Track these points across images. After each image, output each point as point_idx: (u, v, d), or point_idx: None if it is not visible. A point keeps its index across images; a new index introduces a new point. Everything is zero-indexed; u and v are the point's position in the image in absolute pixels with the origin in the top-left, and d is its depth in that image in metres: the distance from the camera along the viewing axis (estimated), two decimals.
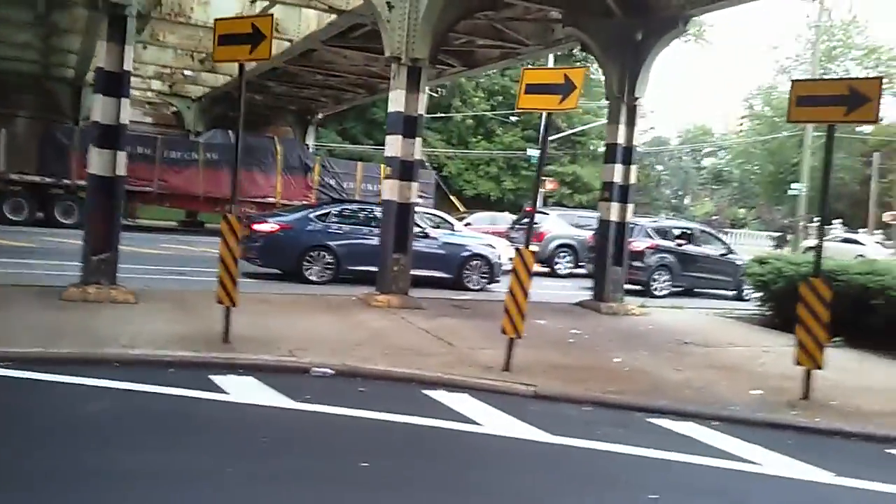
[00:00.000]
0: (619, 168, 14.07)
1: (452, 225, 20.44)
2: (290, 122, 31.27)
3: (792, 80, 8.93)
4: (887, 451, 7.49)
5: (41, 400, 6.67)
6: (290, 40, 18.32)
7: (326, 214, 16.08)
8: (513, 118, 42.76)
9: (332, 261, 15.54)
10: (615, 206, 14.16)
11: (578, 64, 41.30)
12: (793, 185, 42.54)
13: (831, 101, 8.43)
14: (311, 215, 16.08)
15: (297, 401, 7.08)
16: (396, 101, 12.26)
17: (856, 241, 39.39)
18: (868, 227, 47.02)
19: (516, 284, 9.01)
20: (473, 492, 5.43)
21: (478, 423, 6.97)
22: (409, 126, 12.28)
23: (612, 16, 13.36)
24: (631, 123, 14.03)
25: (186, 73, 25.42)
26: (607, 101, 14.87)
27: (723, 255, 19.50)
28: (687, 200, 57.00)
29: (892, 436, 7.77)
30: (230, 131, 27.20)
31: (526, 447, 6.49)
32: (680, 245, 18.76)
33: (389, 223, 12.47)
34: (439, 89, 37.92)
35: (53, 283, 11.19)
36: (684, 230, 19.68)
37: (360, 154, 35.37)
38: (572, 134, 38.40)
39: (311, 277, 15.33)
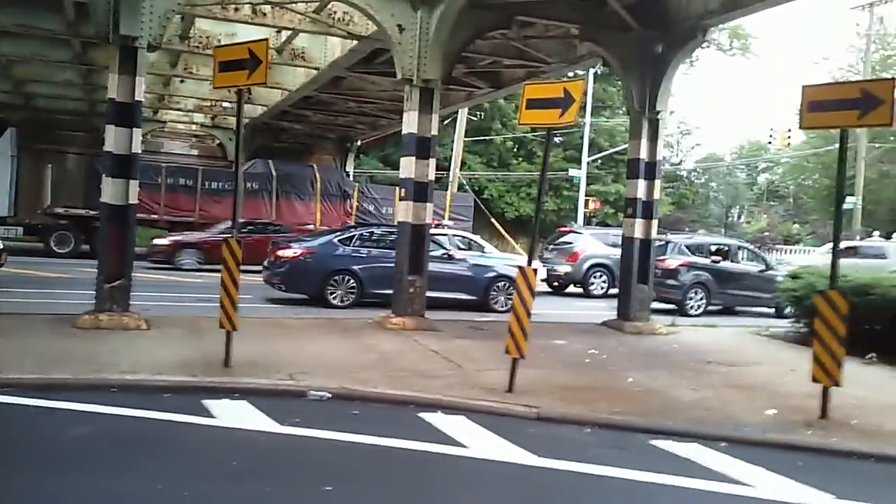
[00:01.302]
0: (642, 183, 13.81)
1: (483, 247, 20.29)
2: (330, 149, 31.60)
3: (802, 86, 8.57)
4: None
5: (27, 425, 6.71)
6: (316, 68, 18.50)
7: (350, 238, 16.10)
8: (556, 139, 42.49)
9: (355, 285, 15.53)
10: (639, 223, 13.87)
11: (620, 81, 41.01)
12: (847, 199, 41.42)
13: (844, 105, 8.11)
14: (335, 240, 16.12)
15: (284, 425, 7.00)
16: (409, 122, 12.24)
17: None
18: None
19: (518, 303, 8.82)
20: None
21: (464, 446, 6.78)
22: (422, 147, 12.24)
23: (630, 29, 13.15)
24: (653, 138, 13.77)
25: (224, 104, 25.89)
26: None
27: (762, 271, 18.91)
28: (739, 217, 55.77)
29: None
30: (270, 161, 27.77)
31: (504, 470, 6.28)
32: (715, 262, 18.27)
33: (404, 245, 12.40)
34: (479, 113, 37.97)
35: (73, 311, 11.35)
36: (720, 246, 19.17)
37: None
38: (615, 152, 37.94)
39: (334, 302, 15.34)
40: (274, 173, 26.87)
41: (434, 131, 12.29)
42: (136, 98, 10.80)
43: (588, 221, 36.78)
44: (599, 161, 39.21)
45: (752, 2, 11.52)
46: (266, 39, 9.09)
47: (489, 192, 38.56)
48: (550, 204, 38.76)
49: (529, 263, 9.05)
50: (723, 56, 46.56)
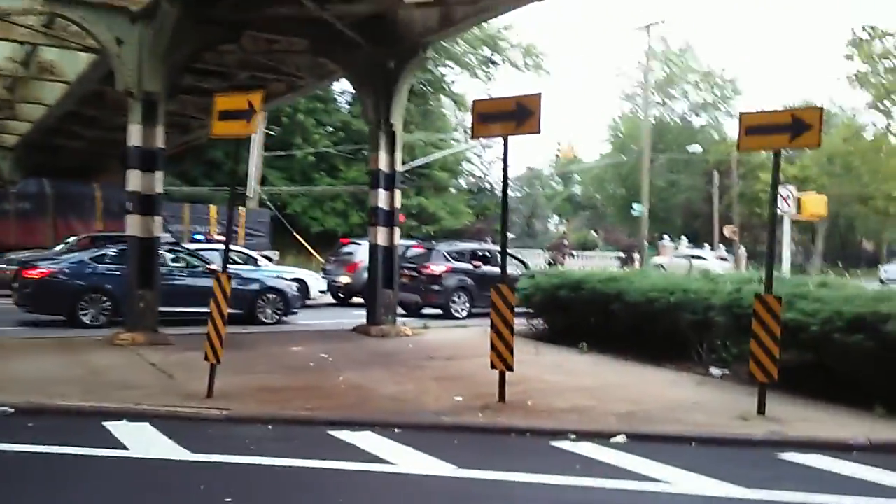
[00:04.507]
0: (382, 193, 14.41)
1: (256, 260, 20.38)
2: (118, 167, 30.47)
3: (740, 113, 9.21)
4: (552, 443, 7.74)
5: None
6: (69, 83, 18.00)
7: (102, 256, 15.75)
8: (363, 153, 42.99)
9: (109, 304, 15.19)
10: (382, 231, 14.46)
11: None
12: (634, 206, 44.45)
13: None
14: (87, 258, 15.76)
15: None
16: (133, 135, 12.20)
17: (699, 257, 41.54)
18: (713, 243, 49.47)
19: (215, 310, 9.07)
20: None
21: (125, 448, 6.95)
22: (147, 160, 12.23)
23: (359, 46, 13.73)
24: (391, 150, 14.42)
25: None
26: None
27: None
28: (539, 226, 58.80)
29: (559, 429, 8.08)
30: (45, 180, 26.57)
31: (148, 466, 6.53)
32: (476, 267, 19.20)
33: (134, 259, 12.33)
34: (277, 128, 37.94)
35: None
36: (483, 253, 20.18)
37: (201, 195, 34.86)
38: (417, 167, 38.95)
39: (86, 321, 14.94)
40: (49, 193, 25.72)
41: (160, 143, 12.31)
42: None
43: None
44: (402, 176, 40.01)
45: (461, 20, 12.41)
46: None
47: (293, 207, 38.53)
48: (355, 217, 39.19)
49: (224, 270, 9.31)
50: (520, 74, 48.81)
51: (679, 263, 36.40)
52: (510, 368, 9.06)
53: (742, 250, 45.42)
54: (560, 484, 6.35)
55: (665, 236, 50.92)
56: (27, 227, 25.09)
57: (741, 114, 9.32)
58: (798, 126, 8.48)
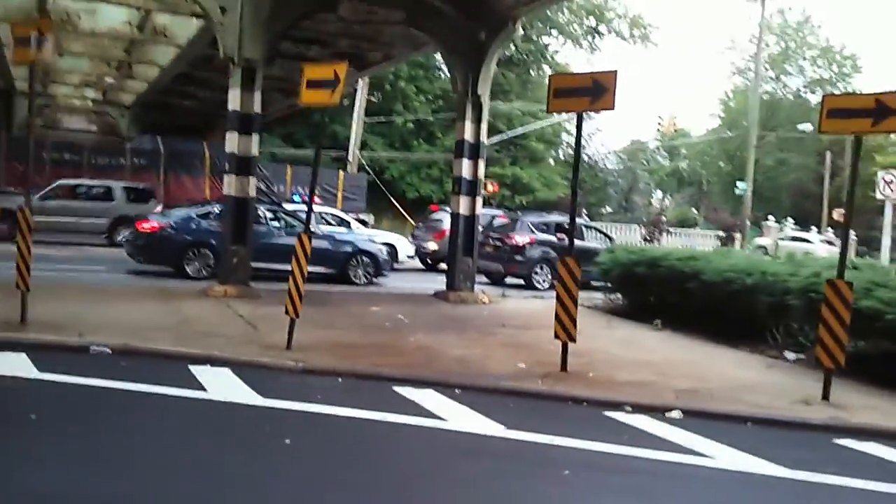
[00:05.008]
0: (466, 163, 14.74)
1: (349, 223, 21.10)
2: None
3: (823, 95, 9.29)
4: (605, 413, 7.99)
5: None
6: (180, 47, 18.99)
7: (208, 213, 16.69)
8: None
9: (212, 258, 16.11)
10: (464, 200, 14.82)
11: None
12: (737, 184, 43.22)
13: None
14: (194, 214, 16.73)
15: (42, 372, 7.69)
16: (233, 100, 12.94)
17: (804, 239, 40.16)
18: (822, 225, 47.71)
19: (296, 268, 9.63)
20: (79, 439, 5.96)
21: (204, 390, 7.56)
22: (244, 123, 12.95)
23: (451, 17, 14.01)
24: (477, 120, 14.70)
25: (107, 80, 26.09)
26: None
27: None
28: (641, 201, 57.90)
29: (615, 401, 8.29)
30: (159, 137, 28.07)
31: (221, 407, 7.12)
32: (561, 239, 19.32)
33: (228, 216, 13.09)
34: (379, 94, 38.67)
35: None
36: (565, 225, 20.23)
37: (305, 158, 35.97)
38: (514, 137, 39.02)
39: (191, 273, 15.92)
40: (162, 149, 27.22)
41: (257, 108, 13.00)
42: None
43: (486, 203, 37.74)
44: (498, 145, 40.16)
45: None
46: None
47: (390, 172, 39.29)
48: (449, 185, 39.58)
49: (306, 231, 9.84)
50: (629, 47, 47.94)
51: (783, 245, 35.42)
52: (573, 339, 9.29)
53: (851, 235, 43.50)
54: (601, 450, 6.61)
55: (770, 217, 49.29)
56: (140, 181, 26.54)
57: (824, 96, 9.19)
58: (881, 111, 8.25)
